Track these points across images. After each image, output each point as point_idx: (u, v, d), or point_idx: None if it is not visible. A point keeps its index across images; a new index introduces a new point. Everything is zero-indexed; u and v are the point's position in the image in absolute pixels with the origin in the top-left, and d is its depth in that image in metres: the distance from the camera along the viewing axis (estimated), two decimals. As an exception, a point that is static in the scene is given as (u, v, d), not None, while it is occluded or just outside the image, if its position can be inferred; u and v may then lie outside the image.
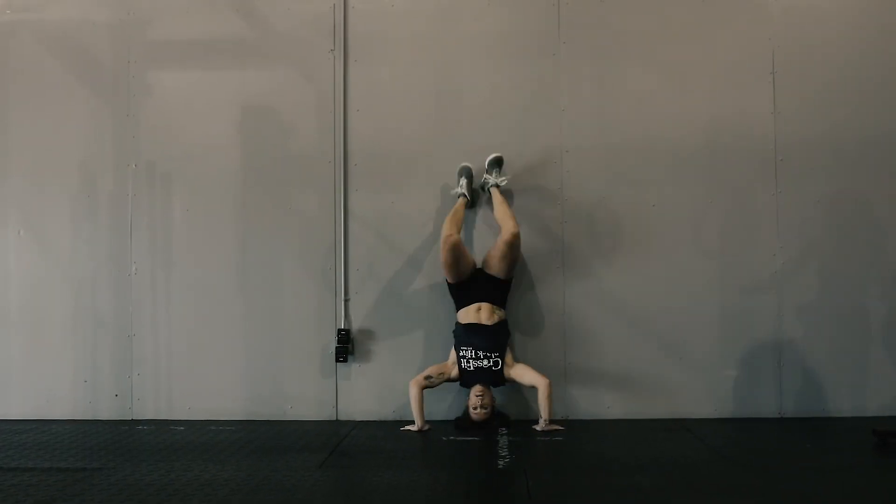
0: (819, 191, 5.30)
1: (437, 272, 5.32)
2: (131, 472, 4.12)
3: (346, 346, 5.35)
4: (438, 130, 5.41)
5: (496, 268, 5.09)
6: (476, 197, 5.34)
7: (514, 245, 4.99)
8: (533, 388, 5.09)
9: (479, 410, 4.96)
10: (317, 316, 5.43)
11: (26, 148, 5.54)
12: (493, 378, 5.02)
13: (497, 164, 5.25)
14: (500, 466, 4.16)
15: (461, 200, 5.26)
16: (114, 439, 4.89)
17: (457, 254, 5.01)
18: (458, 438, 4.81)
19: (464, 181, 5.27)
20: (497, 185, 5.24)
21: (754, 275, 5.30)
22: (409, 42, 5.46)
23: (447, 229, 5.06)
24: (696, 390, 5.29)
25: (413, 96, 5.43)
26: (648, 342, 5.32)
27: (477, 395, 4.96)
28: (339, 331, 5.36)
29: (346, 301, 5.41)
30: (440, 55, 5.44)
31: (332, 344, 5.38)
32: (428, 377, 5.05)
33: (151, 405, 5.47)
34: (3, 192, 5.55)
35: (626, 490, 3.75)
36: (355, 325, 5.40)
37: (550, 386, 4.98)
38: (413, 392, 5.02)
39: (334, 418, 5.39)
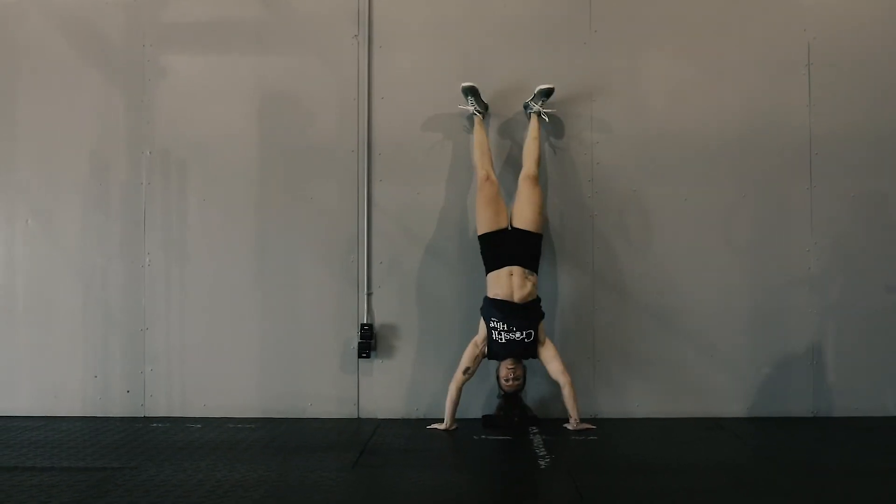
0: (854, 186, 5.19)
1: (465, 265, 5.17)
2: (156, 471, 3.93)
3: (369, 342, 5.17)
4: (466, 118, 5.24)
5: (525, 214, 4.96)
6: (489, 109, 5.21)
7: (533, 180, 4.98)
8: (555, 384, 4.95)
9: (510, 382, 4.82)
10: (337, 310, 5.24)
11: (35, 134, 5.31)
12: (525, 351, 4.85)
13: (546, 95, 5.08)
14: (543, 466, 4.01)
15: (478, 121, 5.13)
16: (129, 437, 4.68)
17: (495, 193, 4.98)
18: (490, 437, 4.66)
19: (471, 99, 5.13)
20: (539, 114, 5.12)
21: (787, 271, 5.19)
22: (435, 28, 5.29)
23: (482, 167, 5.04)
24: (727, 388, 5.17)
25: (439, 84, 5.25)
26: (679, 339, 5.19)
27: (509, 368, 4.82)
28: (362, 325, 5.18)
29: (369, 295, 5.24)
30: (467, 42, 5.28)
31: (354, 339, 5.21)
32: (466, 370, 4.84)
33: (164, 402, 5.26)
34: (10, 181, 5.32)
35: (677, 492, 3.62)
36: (378, 320, 5.23)
37: (572, 383, 4.83)
38: (452, 393, 4.83)
39: (355, 416, 5.21)
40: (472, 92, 5.11)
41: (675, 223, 5.21)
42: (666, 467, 4.04)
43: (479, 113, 5.15)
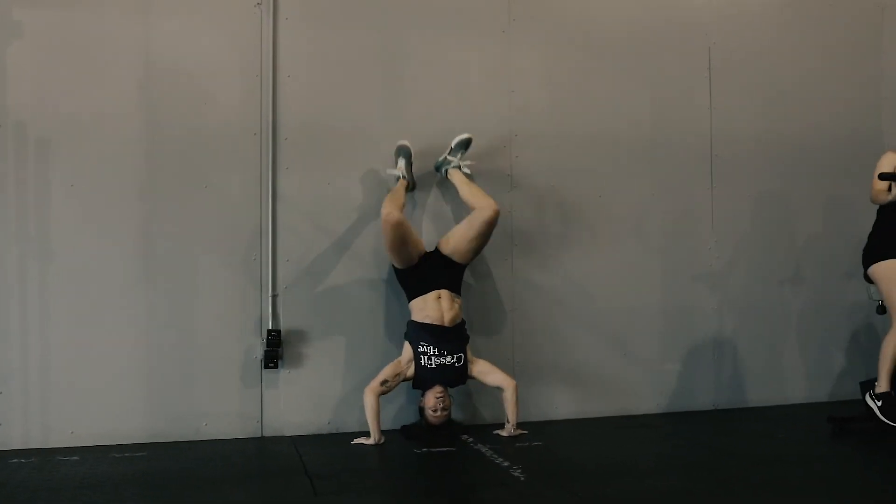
0: (749, 188, 5.39)
1: (380, 263, 4.75)
2: (71, 520, 3.14)
3: (276, 350, 4.57)
4: (382, 103, 4.81)
5: (463, 248, 4.59)
6: (416, 181, 4.80)
7: (494, 223, 4.56)
8: (483, 391, 4.71)
9: (439, 413, 4.47)
10: (238, 315, 4.59)
11: None
12: (457, 376, 4.55)
13: (465, 146, 4.74)
14: (523, 479, 3.69)
15: (401, 182, 4.72)
16: (-6, 479, 3.74)
17: (402, 232, 4.44)
18: (434, 450, 4.26)
19: (402, 162, 4.71)
20: (460, 167, 4.76)
21: (692, 268, 5.29)
22: (349, 1, 4.80)
23: (387, 207, 4.44)
24: (640, 386, 5.18)
25: (353, 64, 4.77)
26: (594, 338, 5.11)
27: (437, 397, 4.46)
28: (270, 332, 4.57)
29: (274, 297, 4.64)
30: (384, 18, 4.83)
31: (257, 347, 4.59)
32: (384, 382, 4.45)
33: (19, 432, 4.31)
34: None
35: (676, 493, 3.49)
36: (284, 325, 4.64)
37: (517, 388, 4.60)
38: (370, 401, 4.39)
39: (259, 434, 4.59)
40: (405, 154, 4.67)
41: (591, 221, 5.13)
42: (641, 469, 3.92)
43: (406, 180, 4.70)
